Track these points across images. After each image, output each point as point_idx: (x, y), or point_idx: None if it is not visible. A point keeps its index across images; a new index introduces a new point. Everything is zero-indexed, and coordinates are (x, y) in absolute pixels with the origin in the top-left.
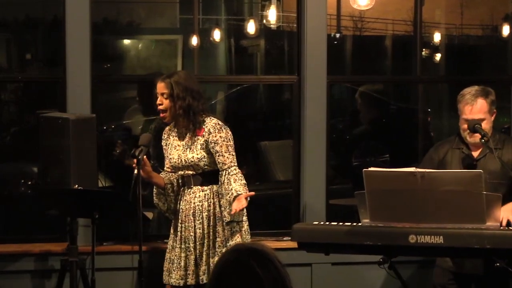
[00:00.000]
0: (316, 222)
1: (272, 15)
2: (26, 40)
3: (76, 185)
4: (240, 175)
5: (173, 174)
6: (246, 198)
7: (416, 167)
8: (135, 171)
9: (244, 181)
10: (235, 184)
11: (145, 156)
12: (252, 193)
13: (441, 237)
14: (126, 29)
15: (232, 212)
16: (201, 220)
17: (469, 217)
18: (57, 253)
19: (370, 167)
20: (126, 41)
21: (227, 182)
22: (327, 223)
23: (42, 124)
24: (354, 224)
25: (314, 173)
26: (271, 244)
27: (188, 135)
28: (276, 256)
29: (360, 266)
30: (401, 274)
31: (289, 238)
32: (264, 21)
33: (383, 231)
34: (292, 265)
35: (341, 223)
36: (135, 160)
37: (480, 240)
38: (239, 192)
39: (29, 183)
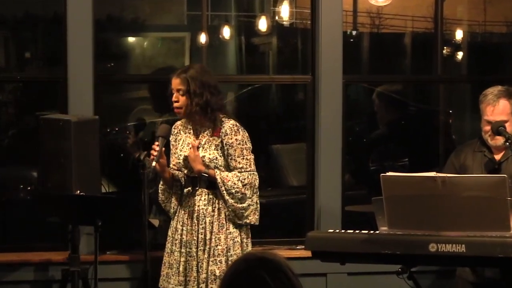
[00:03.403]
0: (331, 230)
1: (285, 11)
2: (26, 38)
3: (78, 191)
4: (249, 180)
5: (179, 172)
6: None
7: (437, 172)
8: (153, 164)
9: (244, 183)
10: (234, 177)
11: (163, 148)
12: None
13: (463, 245)
14: (131, 26)
15: (190, 150)
16: (204, 225)
17: (492, 225)
18: (58, 263)
19: (388, 172)
20: (131, 39)
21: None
22: (343, 231)
23: (42, 126)
24: (371, 232)
25: (329, 178)
26: (283, 253)
27: (204, 133)
28: (289, 265)
29: (378, 276)
30: (420, 285)
31: (303, 247)
32: (277, 17)
33: (402, 239)
34: (306, 275)
35: (357, 231)
36: (155, 152)
37: (505, 249)
38: (221, 174)
39: (29, 188)
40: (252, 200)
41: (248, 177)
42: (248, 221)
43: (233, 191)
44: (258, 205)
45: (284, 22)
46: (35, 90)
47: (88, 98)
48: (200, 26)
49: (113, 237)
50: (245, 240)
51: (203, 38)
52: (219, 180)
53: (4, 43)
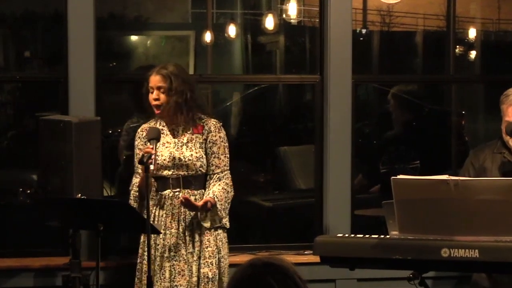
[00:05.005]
0: (340, 235)
1: (292, 9)
2: (25, 37)
3: (79, 194)
4: (230, 181)
5: (153, 179)
6: (208, 205)
7: (450, 175)
8: (151, 167)
9: (230, 190)
10: (219, 187)
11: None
12: (210, 200)
13: (477, 250)
14: (134, 25)
15: (177, 201)
16: (191, 227)
17: (507, 229)
18: (59, 268)
19: (399, 175)
20: (134, 37)
21: (213, 185)
22: (352, 235)
23: (42, 127)
24: (382, 236)
25: (338, 181)
26: (291, 258)
27: (183, 132)
28: (296, 271)
29: (388, 282)
30: None
31: (311, 252)
32: (284, 15)
33: (413, 244)
34: (314, 281)
35: (367, 236)
36: (152, 155)
37: None
38: (213, 196)
39: (28, 191)
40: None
41: (229, 177)
42: (224, 224)
43: (226, 205)
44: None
45: (292, 20)
46: (35, 90)
47: (90, 99)
48: (205, 24)
49: (115, 242)
50: (227, 240)
51: (208, 36)
52: (215, 202)
53: (3, 41)
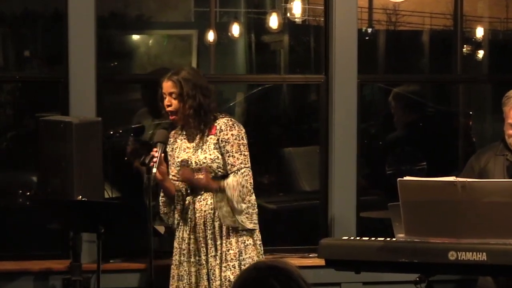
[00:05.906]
0: (346, 237)
1: (297, 7)
2: (25, 36)
3: (80, 196)
4: (249, 178)
5: (180, 183)
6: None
7: (456, 176)
8: (154, 171)
9: (246, 185)
10: (233, 178)
11: (162, 154)
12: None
13: (484, 253)
14: (135, 24)
15: (179, 174)
16: (212, 230)
17: None
18: (59, 272)
19: (405, 176)
20: (135, 37)
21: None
22: (358, 238)
23: (42, 128)
24: (388, 239)
25: (343, 183)
26: (295, 261)
27: (198, 136)
28: (301, 274)
29: (394, 286)
30: None
31: (316, 255)
32: (288, 14)
33: (420, 247)
34: (319, 285)
35: (373, 238)
36: (154, 158)
37: None
38: (225, 183)
39: (28, 193)
40: (249, 202)
41: (247, 174)
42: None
43: (239, 197)
44: (255, 208)
45: (296, 19)
46: (35, 90)
47: (90, 99)
48: (208, 23)
49: (116, 244)
50: (258, 242)
51: (211, 36)
52: (224, 186)
53: (2, 41)
